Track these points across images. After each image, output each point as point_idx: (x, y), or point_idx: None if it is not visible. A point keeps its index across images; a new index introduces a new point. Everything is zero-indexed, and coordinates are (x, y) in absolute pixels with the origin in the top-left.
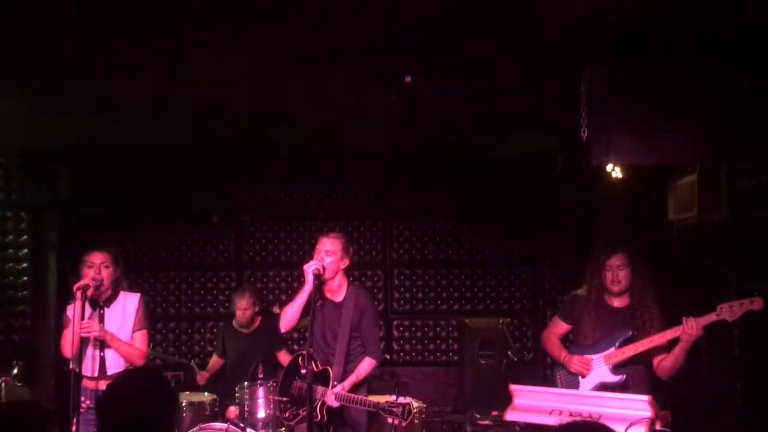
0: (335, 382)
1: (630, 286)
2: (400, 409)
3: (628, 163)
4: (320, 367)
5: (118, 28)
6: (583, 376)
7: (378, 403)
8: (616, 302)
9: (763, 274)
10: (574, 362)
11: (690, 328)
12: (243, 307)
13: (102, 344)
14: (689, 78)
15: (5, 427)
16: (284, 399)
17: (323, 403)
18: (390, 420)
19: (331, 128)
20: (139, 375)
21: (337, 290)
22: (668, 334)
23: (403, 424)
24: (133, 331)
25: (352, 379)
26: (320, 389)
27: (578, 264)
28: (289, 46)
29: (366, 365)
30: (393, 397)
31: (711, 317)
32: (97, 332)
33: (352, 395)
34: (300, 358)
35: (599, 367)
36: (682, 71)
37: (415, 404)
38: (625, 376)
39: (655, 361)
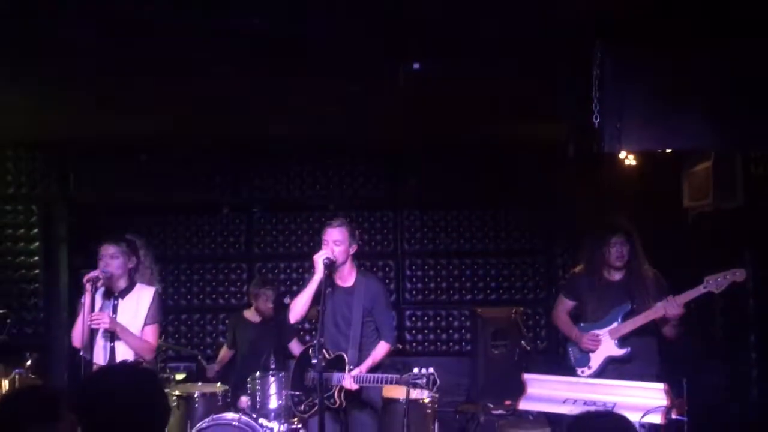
0: (351, 366)
1: (628, 260)
2: (425, 380)
3: (641, 150)
4: (332, 355)
5: (119, 26)
6: (593, 352)
7: (400, 377)
8: (614, 276)
9: None
10: (585, 340)
11: (671, 308)
12: (268, 297)
13: (113, 335)
14: (703, 63)
15: (16, 412)
16: (297, 393)
17: (341, 388)
18: (412, 391)
19: (340, 119)
20: (117, 371)
21: (348, 276)
22: (651, 314)
23: (427, 398)
24: (145, 325)
25: (368, 362)
26: (336, 375)
27: None
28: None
29: (381, 349)
30: (415, 370)
31: (698, 290)
32: (107, 324)
33: (371, 374)
34: (310, 349)
35: (606, 341)
36: (696, 56)
37: (427, 393)
38: (630, 349)
39: (662, 329)
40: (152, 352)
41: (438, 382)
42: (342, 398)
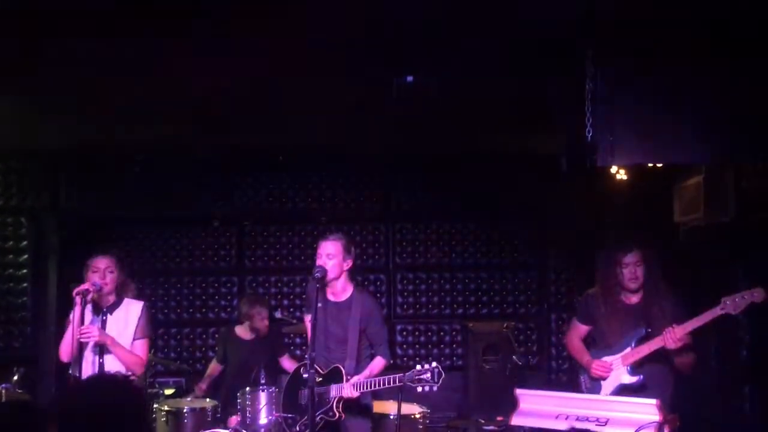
0: (349, 376)
1: (644, 283)
2: (429, 374)
3: (634, 163)
4: (326, 370)
5: (117, 29)
6: (604, 380)
7: (403, 375)
8: (630, 299)
9: None
10: (594, 367)
11: (669, 340)
12: (263, 315)
13: (101, 349)
14: (696, 77)
15: (2, 426)
16: (290, 415)
17: (340, 399)
18: (420, 388)
19: (332, 131)
20: (101, 383)
21: (341, 292)
22: (653, 344)
23: (435, 389)
24: (134, 339)
25: (366, 372)
26: (334, 387)
27: (583, 267)
28: (288, 44)
29: (378, 363)
30: (418, 367)
31: (714, 312)
32: (97, 337)
33: (371, 379)
34: (302, 368)
35: (618, 368)
36: (688, 70)
37: (418, 409)
38: (642, 377)
39: (674, 359)
40: (143, 366)
41: (443, 374)
42: (341, 410)
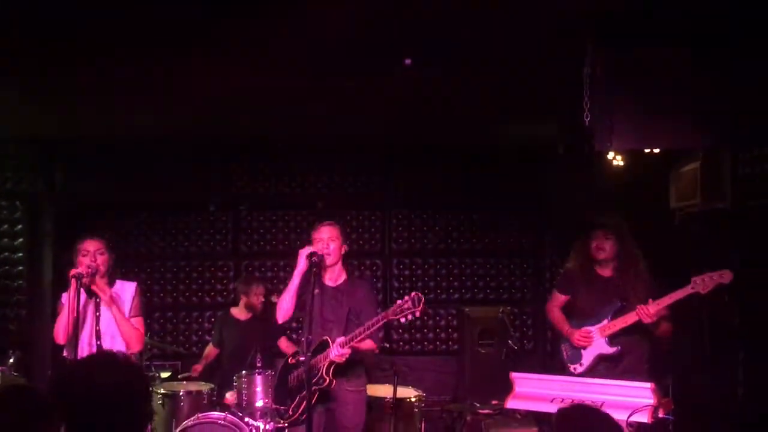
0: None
1: (616, 256)
2: (410, 303)
3: (631, 148)
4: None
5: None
6: (584, 349)
7: (386, 312)
8: (605, 272)
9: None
10: (576, 336)
11: (644, 315)
12: (260, 293)
13: (98, 333)
14: (692, 61)
15: (8, 413)
16: (282, 407)
17: (330, 364)
18: (403, 319)
19: (329, 117)
20: (109, 360)
21: (338, 277)
22: (628, 319)
23: (417, 314)
24: (131, 317)
25: (352, 335)
26: (321, 356)
27: None
28: (288, 34)
29: (367, 344)
30: (398, 301)
31: (685, 290)
32: (106, 297)
33: (357, 331)
34: (290, 358)
35: (597, 338)
36: (685, 54)
37: (414, 392)
38: (620, 347)
39: (652, 330)
40: (141, 341)
41: (423, 298)
42: (331, 375)
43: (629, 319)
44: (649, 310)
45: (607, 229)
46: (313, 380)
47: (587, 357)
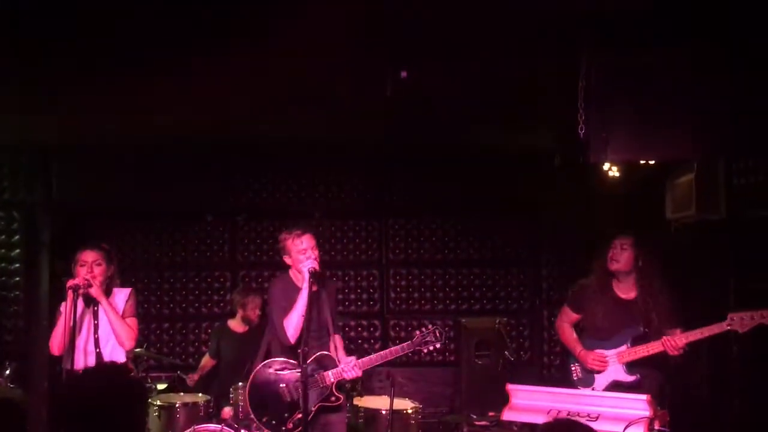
0: (341, 359)
1: (633, 269)
2: (433, 336)
3: (627, 160)
4: (309, 359)
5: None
6: (598, 373)
7: (408, 344)
8: (623, 293)
9: (762, 274)
10: (590, 359)
11: (670, 348)
12: (256, 304)
13: (97, 341)
14: (688, 72)
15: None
16: (273, 421)
17: (342, 381)
18: (425, 350)
19: (326, 126)
20: (105, 371)
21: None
22: (652, 348)
23: (438, 345)
24: (124, 318)
25: (372, 358)
26: (330, 372)
27: (576, 263)
28: (284, 40)
29: (340, 341)
30: (417, 333)
31: (720, 327)
32: (95, 288)
33: (376, 356)
34: (263, 367)
35: (613, 364)
36: (681, 65)
37: (410, 404)
38: (638, 376)
39: (670, 360)
40: (135, 340)
41: (444, 332)
42: (340, 392)
43: (653, 348)
44: (677, 343)
45: (624, 237)
46: (321, 397)
47: (601, 382)
